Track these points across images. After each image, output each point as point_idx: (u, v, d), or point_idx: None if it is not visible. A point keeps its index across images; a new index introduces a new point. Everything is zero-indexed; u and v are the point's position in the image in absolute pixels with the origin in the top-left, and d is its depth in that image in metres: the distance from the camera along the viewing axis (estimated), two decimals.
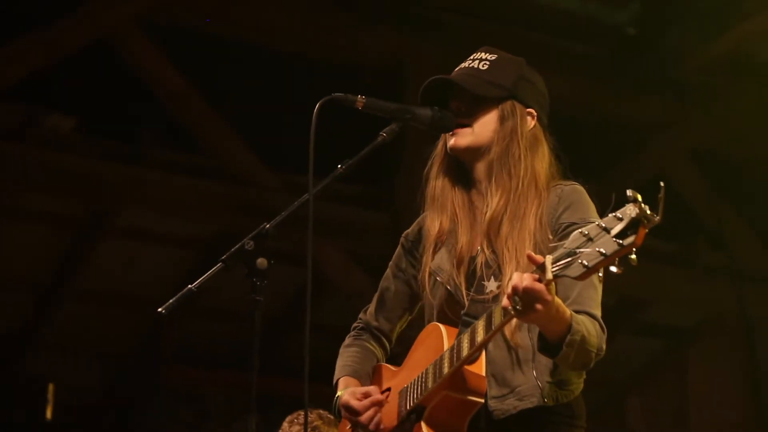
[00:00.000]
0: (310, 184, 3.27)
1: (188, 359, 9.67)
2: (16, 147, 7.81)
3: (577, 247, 2.84)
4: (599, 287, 3.27)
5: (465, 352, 3.19)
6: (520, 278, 2.97)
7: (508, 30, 8.23)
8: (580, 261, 2.82)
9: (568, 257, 2.86)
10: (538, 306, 2.97)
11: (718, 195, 9.23)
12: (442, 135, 3.53)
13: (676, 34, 8.38)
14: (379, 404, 3.42)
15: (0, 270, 8.86)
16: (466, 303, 3.36)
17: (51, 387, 9.52)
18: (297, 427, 4.79)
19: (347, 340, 3.73)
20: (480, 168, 3.46)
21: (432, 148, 3.58)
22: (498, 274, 3.33)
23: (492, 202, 3.39)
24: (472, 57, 3.53)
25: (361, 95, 3.40)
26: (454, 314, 3.40)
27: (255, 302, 3.17)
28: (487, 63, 3.49)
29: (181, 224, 8.59)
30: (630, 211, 2.73)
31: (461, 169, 3.51)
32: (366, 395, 3.43)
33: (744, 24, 8.09)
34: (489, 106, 3.45)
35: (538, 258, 2.97)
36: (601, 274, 3.13)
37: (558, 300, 3.05)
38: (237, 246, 3.20)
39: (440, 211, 3.50)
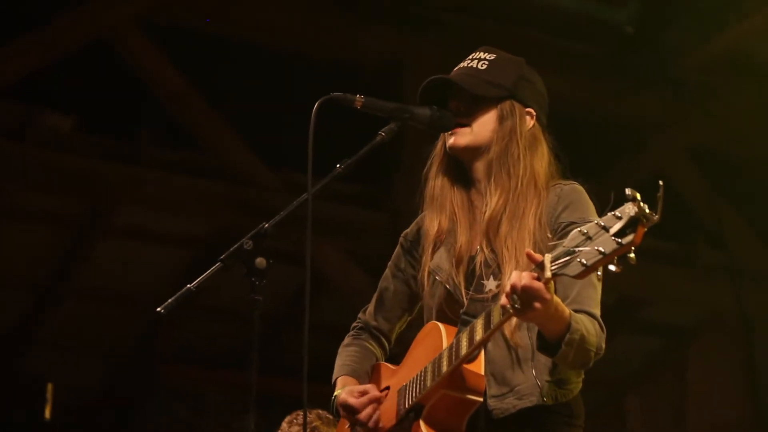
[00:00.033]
0: (309, 184, 3.26)
1: (187, 359, 9.67)
2: (15, 146, 7.80)
3: (576, 246, 2.83)
4: (598, 286, 3.28)
5: (464, 350, 3.19)
6: (519, 277, 2.96)
7: (508, 29, 8.24)
8: (578, 259, 2.82)
9: (567, 256, 2.86)
10: (537, 304, 2.97)
11: (718, 194, 9.22)
12: (442, 135, 3.53)
13: (676, 33, 8.38)
14: (377, 402, 3.42)
15: None
16: (466, 302, 3.36)
17: (50, 386, 9.51)
18: (296, 428, 4.78)
19: (346, 340, 3.73)
20: (479, 167, 3.46)
21: (431, 147, 3.58)
22: (497, 273, 3.33)
23: (491, 201, 3.39)
24: (471, 56, 3.53)
25: (360, 95, 3.40)
26: (453, 313, 3.40)
27: (254, 302, 3.17)
28: (486, 63, 3.49)
29: (181, 224, 8.58)
30: (629, 209, 2.73)
31: (460, 168, 3.51)
32: (363, 393, 3.43)
33: (743, 23, 8.10)
34: (488, 105, 3.45)
35: (537, 256, 2.96)
36: (600, 273, 3.15)
37: (557, 299, 3.05)
38: (236, 245, 3.20)
39: (439, 210, 3.50)
